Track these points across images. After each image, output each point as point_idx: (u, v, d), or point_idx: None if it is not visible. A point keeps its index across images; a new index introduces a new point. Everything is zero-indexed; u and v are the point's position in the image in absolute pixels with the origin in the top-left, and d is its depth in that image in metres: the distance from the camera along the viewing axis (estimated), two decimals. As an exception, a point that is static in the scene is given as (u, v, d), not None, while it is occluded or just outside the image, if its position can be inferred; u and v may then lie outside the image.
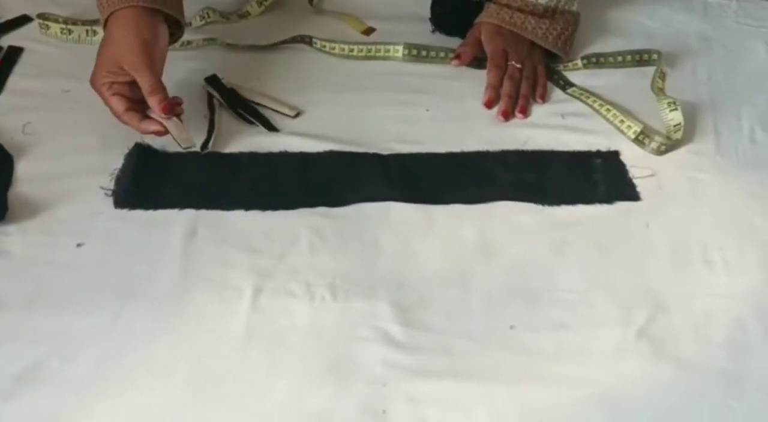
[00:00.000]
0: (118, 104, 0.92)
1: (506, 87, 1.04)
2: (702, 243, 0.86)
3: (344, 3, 1.20)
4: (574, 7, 1.11)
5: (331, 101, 1.03)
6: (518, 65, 1.06)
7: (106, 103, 0.93)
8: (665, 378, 0.75)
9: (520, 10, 1.09)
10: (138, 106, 0.93)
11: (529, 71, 1.07)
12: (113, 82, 0.93)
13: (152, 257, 0.83)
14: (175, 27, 0.99)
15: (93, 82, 0.94)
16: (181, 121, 0.93)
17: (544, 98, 1.05)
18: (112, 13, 0.93)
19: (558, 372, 0.75)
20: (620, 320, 0.79)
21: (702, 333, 0.78)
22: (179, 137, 0.92)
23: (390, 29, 1.15)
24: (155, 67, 0.92)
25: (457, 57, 1.09)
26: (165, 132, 0.92)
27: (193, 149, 0.92)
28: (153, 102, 0.91)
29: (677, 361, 0.76)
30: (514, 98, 1.03)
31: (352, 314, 0.79)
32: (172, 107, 0.92)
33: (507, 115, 1.02)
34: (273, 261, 0.83)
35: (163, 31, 0.95)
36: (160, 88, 0.92)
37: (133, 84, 0.92)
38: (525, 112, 1.02)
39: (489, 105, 1.03)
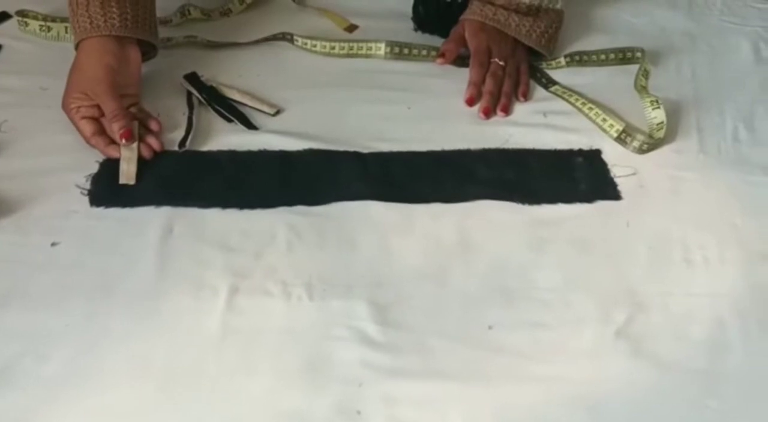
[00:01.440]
0: (86, 127, 0.94)
1: (488, 84, 1.04)
2: (682, 242, 0.86)
3: (327, 0, 1.20)
4: (558, 5, 1.12)
5: (312, 99, 1.02)
6: (501, 63, 1.06)
7: (76, 126, 0.95)
8: (644, 377, 0.75)
9: (503, 7, 1.09)
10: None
11: (512, 69, 1.07)
12: (80, 106, 0.94)
13: (128, 256, 0.83)
14: (149, 46, 1.01)
15: (63, 106, 0.95)
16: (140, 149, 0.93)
17: (527, 96, 1.05)
18: (82, 40, 0.95)
19: (536, 372, 0.74)
20: (599, 319, 0.79)
21: (681, 333, 0.78)
22: (123, 169, 0.91)
23: (373, 26, 1.15)
24: (117, 94, 0.94)
25: (442, 55, 1.09)
26: None
27: (131, 183, 0.91)
28: (114, 128, 0.93)
29: (656, 360, 0.76)
30: (495, 96, 1.03)
31: (329, 313, 0.78)
32: (131, 136, 0.93)
33: (488, 113, 1.02)
34: (250, 260, 0.83)
35: (134, 55, 0.97)
36: (120, 115, 0.93)
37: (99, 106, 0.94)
38: (506, 111, 1.02)
39: (471, 102, 1.03)
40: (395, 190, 0.91)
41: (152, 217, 0.87)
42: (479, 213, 0.89)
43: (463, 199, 0.90)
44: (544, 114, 1.02)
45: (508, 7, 1.09)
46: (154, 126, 0.96)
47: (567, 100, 1.04)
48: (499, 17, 1.08)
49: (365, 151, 0.95)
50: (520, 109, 1.04)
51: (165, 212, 0.87)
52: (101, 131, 0.94)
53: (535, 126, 1.00)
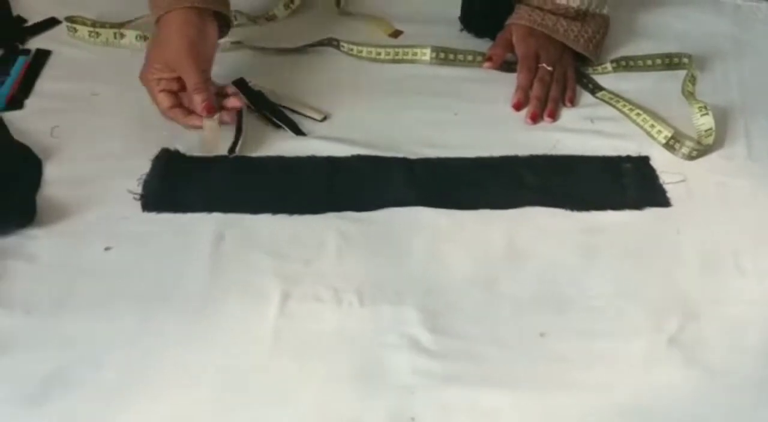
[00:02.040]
0: (165, 100, 0.96)
1: (536, 89, 1.04)
2: (733, 250, 0.86)
3: (371, 5, 1.21)
4: (605, 11, 1.11)
5: (359, 105, 1.03)
6: (549, 68, 1.06)
7: (154, 98, 0.97)
8: (696, 386, 0.74)
9: (552, 12, 1.08)
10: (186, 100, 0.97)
11: (560, 74, 1.06)
12: (161, 79, 0.96)
13: (180, 261, 0.83)
14: (224, 22, 1.01)
15: (143, 77, 0.97)
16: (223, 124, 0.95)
17: (573, 102, 1.05)
18: (162, 15, 0.96)
19: (588, 380, 0.74)
20: (650, 328, 0.78)
21: (733, 341, 0.78)
22: (206, 140, 0.93)
23: (417, 32, 1.15)
24: (200, 66, 0.95)
25: (489, 59, 1.09)
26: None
27: (214, 154, 0.93)
28: (196, 100, 0.94)
29: (708, 370, 0.75)
30: (543, 101, 1.03)
31: (380, 320, 0.79)
32: (213, 108, 0.94)
33: (535, 118, 1.02)
34: (300, 266, 0.83)
35: (212, 29, 0.98)
36: (203, 87, 0.94)
37: (181, 79, 0.96)
38: (554, 116, 1.02)
39: (518, 107, 1.03)
40: (443, 195, 0.91)
41: (203, 223, 0.87)
42: (528, 219, 0.89)
43: (511, 205, 0.90)
44: (592, 120, 1.02)
45: (556, 11, 1.08)
46: (230, 90, 0.98)
47: (614, 106, 1.04)
48: (547, 22, 1.08)
49: (413, 156, 0.95)
50: (568, 114, 1.03)
51: (216, 218, 0.88)
52: (179, 104, 0.96)
53: (583, 132, 1.00)
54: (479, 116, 1.03)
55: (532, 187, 0.92)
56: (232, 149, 0.95)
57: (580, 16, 1.09)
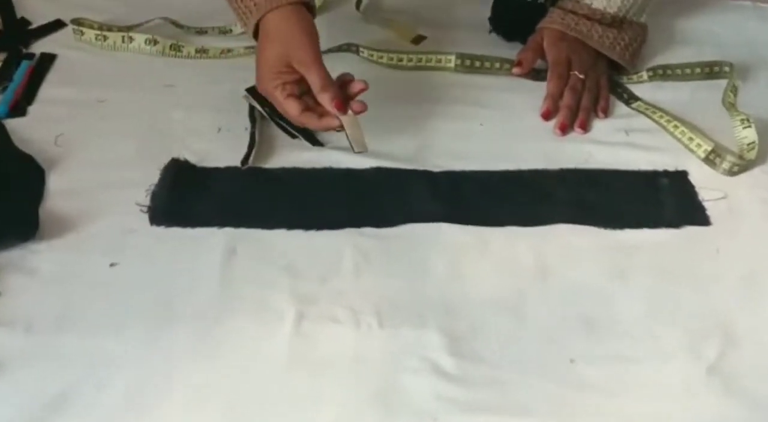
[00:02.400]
0: (293, 105, 0.95)
1: (567, 98, 1.04)
2: (777, 271, 0.85)
3: (393, 9, 1.21)
4: (643, 19, 1.11)
5: (379, 114, 1.02)
6: (581, 76, 1.06)
7: (280, 106, 0.96)
8: (738, 417, 0.74)
9: (587, 17, 1.08)
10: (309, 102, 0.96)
11: (592, 83, 1.06)
12: (285, 83, 0.95)
13: (189, 277, 0.84)
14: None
15: (263, 87, 0.96)
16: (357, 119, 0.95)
17: (607, 112, 1.04)
18: (268, 13, 0.95)
19: (621, 410, 0.74)
20: (688, 354, 0.78)
21: (778, 370, 0.77)
22: (353, 138, 0.94)
23: (441, 37, 1.16)
24: (322, 61, 0.94)
25: (518, 64, 1.09)
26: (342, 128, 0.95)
27: (366, 150, 0.95)
28: (325, 99, 0.93)
29: (751, 399, 0.75)
30: (573, 111, 1.03)
31: (400, 342, 0.79)
32: (345, 103, 0.94)
33: (565, 129, 1.01)
34: (316, 284, 0.83)
35: (312, 20, 0.98)
36: (329, 84, 0.94)
37: (303, 81, 0.95)
38: (585, 127, 1.02)
39: (547, 116, 1.03)
40: (468, 211, 0.91)
41: (214, 238, 0.88)
42: (557, 237, 0.89)
43: (540, 222, 0.90)
44: (626, 131, 1.02)
45: (592, 17, 1.08)
46: (347, 76, 0.97)
47: (650, 117, 1.04)
48: (581, 27, 1.08)
49: (436, 169, 0.96)
50: (601, 126, 1.04)
51: (227, 233, 0.88)
52: (307, 107, 0.95)
53: (617, 144, 1.00)
54: (506, 127, 1.03)
55: (562, 202, 0.92)
56: (245, 160, 0.96)
57: (616, 22, 1.09)
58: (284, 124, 1.00)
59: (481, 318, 0.81)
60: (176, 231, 0.89)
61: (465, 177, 0.95)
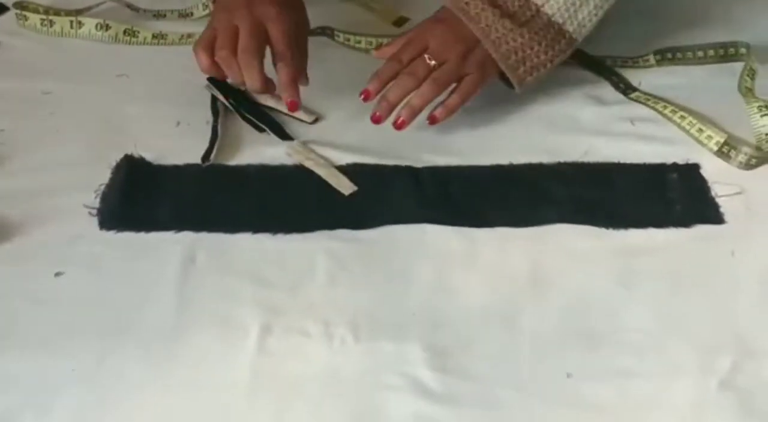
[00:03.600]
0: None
1: (393, 88, 0.96)
2: (799, 275, 0.85)
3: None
4: (578, 36, 1.01)
5: (356, 104, 1.02)
6: (432, 62, 0.97)
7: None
8: (754, 438, 0.73)
9: (499, 8, 0.98)
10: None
11: (445, 75, 0.97)
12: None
13: (143, 289, 0.83)
14: None
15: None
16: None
17: (442, 115, 0.97)
18: None
19: (624, 430, 0.74)
20: (699, 368, 0.78)
21: (799, 384, 0.77)
22: (332, 182, 0.94)
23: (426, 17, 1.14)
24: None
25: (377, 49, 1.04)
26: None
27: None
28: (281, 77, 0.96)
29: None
30: (394, 104, 0.97)
31: (378, 358, 0.78)
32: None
33: (378, 121, 0.97)
34: (285, 294, 0.83)
35: None
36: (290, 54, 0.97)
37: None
38: (401, 127, 0.97)
39: (365, 99, 0.97)
40: (455, 211, 0.91)
41: (171, 244, 0.87)
42: (555, 239, 0.89)
43: (535, 222, 0.90)
44: (632, 121, 1.02)
45: (508, 9, 0.99)
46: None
47: (653, 108, 1.03)
48: (477, 14, 0.98)
49: (419, 165, 0.96)
50: (603, 114, 1.03)
51: (186, 238, 0.88)
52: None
53: (621, 135, 1.00)
54: (497, 117, 1.03)
55: (559, 200, 0.92)
56: (206, 156, 0.95)
57: (538, 25, 0.99)
58: (251, 117, 1.00)
59: (469, 330, 0.81)
60: (129, 236, 0.88)
61: (451, 173, 0.95)
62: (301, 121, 1.00)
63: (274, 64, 0.96)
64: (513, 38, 0.98)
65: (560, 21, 1.00)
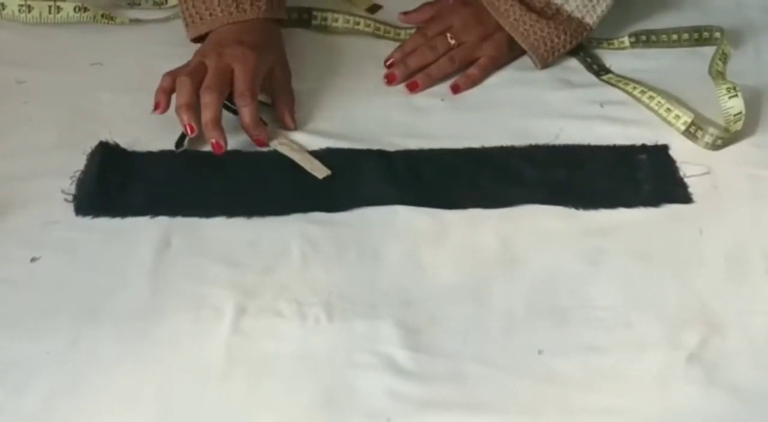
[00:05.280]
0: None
1: (414, 55, 1.06)
2: (764, 252, 0.86)
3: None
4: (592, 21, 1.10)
5: (329, 89, 1.04)
6: (452, 41, 1.07)
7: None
8: (720, 409, 0.74)
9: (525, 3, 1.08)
10: None
11: (464, 54, 1.07)
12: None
13: (118, 272, 0.84)
14: None
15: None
16: None
17: (457, 89, 1.05)
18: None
19: (593, 404, 0.74)
20: (667, 342, 0.79)
21: (763, 358, 0.78)
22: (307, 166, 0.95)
23: (399, 7, 1.15)
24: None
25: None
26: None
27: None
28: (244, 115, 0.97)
29: (734, 389, 0.75)
30: (413, 70, 1.06)
31: (351, 337, 0.79)
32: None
33: (392, 81, 1.05)
34: (258, 276, 0.84)
35: None
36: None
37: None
38: (414, 89, 1.05)
39: (391, 65, 1.07)
40: (426, 193, 0.91)
41: (146, 229, 0.88)
42: (525, 219, 0.89)
43: (506, 203, 0.91)
44: (601, 104, 1.03)
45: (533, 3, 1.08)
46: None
47: (623, 90, 1.04)
48: (504, 6, 1.07)
49: (392, 148, 0.96)
50: (573, 97, 1.04)
51: (161, 222, 0.88)
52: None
53: (591, 118, 1.01)
54: (469, 101, 1.04)
55: (530, 182, 0.93)
56: (179, 142, 0.96)
57: (559, 15, 1.08)
58: (226, 102, 1.00)
59: (440, 308, 0.81)
60: (104, 222, 0.89)
61: (424, 157, 0.96)
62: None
63: (236, 105, 0.97)
64: (540, 29, 1.06)
65: (579, 16, 1.08)
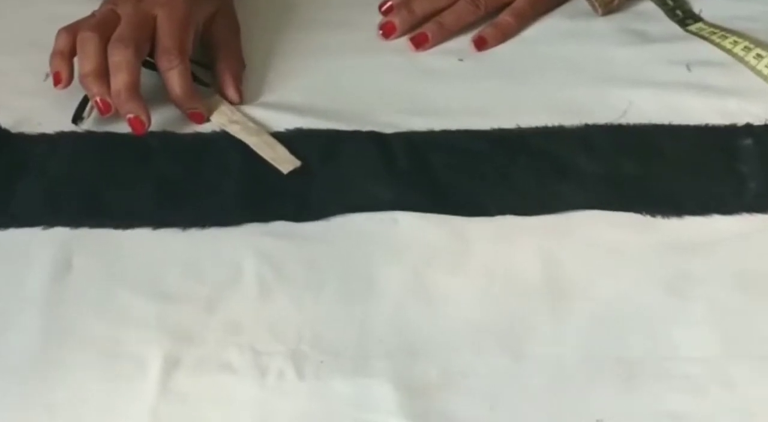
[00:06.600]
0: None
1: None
2: None
3: None
4: None
5: (299, 45, 1.04)
6: None
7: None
8: None
9: None
10: None
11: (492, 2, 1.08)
12: None
13: (-1, 308, 0.83)
14: None
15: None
16: None
17: (482, 44, 1.07)
18: None
19: None
20: (783, 407, 0.78)
21: None
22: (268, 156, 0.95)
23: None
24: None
25: None
26: None
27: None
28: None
29: None
30: (419, 17, 1.07)
31: (331, 401, 0.78)
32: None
33: (388, 34, 1.07)
34: (198, 312, 0.83)
35: None
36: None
37: None
38: (420, 45, 1.06)
39: (386, 13, 1.08)
40: (438, 194, 0.92)
41: (38, 244, 0.88)
42: (578, 231, 0.89)
43: (551, 208, 0.91)
44: (688, 66, 1.04)
45: None
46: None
47: (719, 45, 1.05)
48: None
49: (389, 130, 0.97)
50: (647, 56, 1.05)
51: (59, 235, 0.88)
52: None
53: (673, 86, 1.02)
54: (500, 63, 1.05)
55: (586, 177, 0.93)
56: (77, 115, 0.96)
57: None
58: (149, 60, 0.99)
59: (458, 360, 0.81)
60: (-21, 235, 0.89)
61: (433, 141, 0.96)
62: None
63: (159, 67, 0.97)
64: None
65: None
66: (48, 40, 0.99)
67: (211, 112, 0.97)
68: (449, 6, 1.06)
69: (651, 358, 0.81)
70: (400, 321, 0.83)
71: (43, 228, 0.89)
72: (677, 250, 0.88)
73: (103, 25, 0.95)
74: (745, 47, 1.03)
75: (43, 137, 0.95)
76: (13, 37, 1.05)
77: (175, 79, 0.95)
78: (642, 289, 0.86)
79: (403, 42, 1.06)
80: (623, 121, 0.98)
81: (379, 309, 0.84)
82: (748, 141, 0.96)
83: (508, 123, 0.97)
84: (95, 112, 0.96)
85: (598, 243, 0.89)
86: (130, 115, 0.93)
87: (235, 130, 0.95)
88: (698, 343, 0.82)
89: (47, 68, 0.98)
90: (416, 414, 0.77)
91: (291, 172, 0.93)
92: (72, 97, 0.97)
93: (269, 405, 0.78)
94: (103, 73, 0.93)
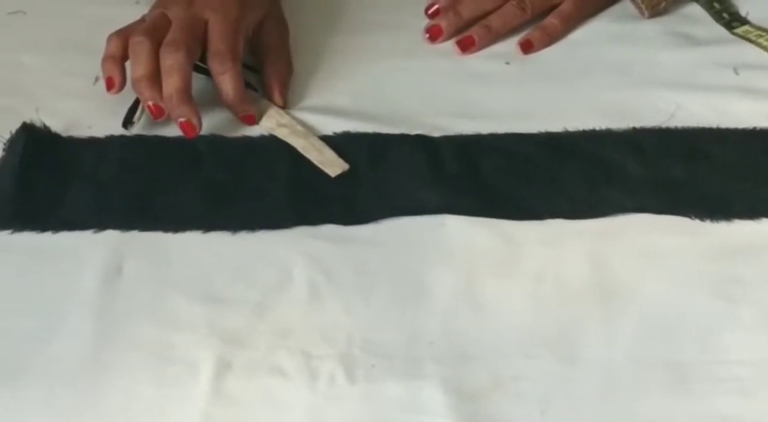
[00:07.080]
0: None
1: (468, 2, 1.08)
2: None
3: None
4: None
5: (345, 48, 1.04)
6: None
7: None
8: None
9: None
10: None
11: (536, 3, 1.09)
12: None
13: (48, 312, 0.83)
14: None
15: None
16: None
17: (528, 47, 1.07)
18: None
19: None
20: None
21: None
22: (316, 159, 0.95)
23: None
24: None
25: None
26: None
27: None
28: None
29: None
30: (464, 20, 1.07)
31: (381, 405, 0.78)
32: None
33: (436, 36, 1.07)
34: (248, 316, 0.83)
35: None
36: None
37: None
38: (467, 48, 1.06)
39: (432, 16, 1.08)
40: (487, 197, 0.91)
41: (89, 248, 0.88)
42: (628, 235, 0.89)
43: (600, 212, 0.91)
44: (735, 69, 1.03)
45: None
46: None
47: (766, 48, 1.05)
48: None
49: (437, 133, 0.96)
50: (694, 59, 1.05)
51: (109, 239, 0.88)
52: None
53: (720, 89, 1.01)
54: (546, 66, 1.05)
55: (635, 181, 0.93)
56: (128, 119, 0.96)
57: None
58: (200, 63, 0.99)
59: (508, 364, 0.81)
60: (29, 238, 0.89)
61: (480, 144, 0.96)
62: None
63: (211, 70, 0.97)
64: None
65: None
66: (94, 43, 1.00)
67: (260, 115, 0.96)
68: (496, 9, 1.07)
69: (701, 362, 0.81)
70: (451, 325, 0.83)
71: (94, 232, 0.89)
72: (726, 254, 0.88)
73: (154, 30, 0.95)
74: (797, 51, 1.02)
75: (93, 141, 0.96)
76: (59, 41, 1.05)
77: (228, 83, 0.95)
78: (691, 293, 0.85)
79: (450, 45, 1.06)
80: (671, 124, 0.98)
81: (429, 313, 0.84)
82: (800, 143, 0.96)
83: (555, 126, 0.97)
84: (145, 116, 0.96)
85: (647, 247, 0.88)
86: (182, 119, 0.92)
87: (283, 134, 0.95)
88: (748, 346, 0.82)
89: (95, 71, 0.99)
90: (466, 418, 0.77)
91: (339, 176, 0.93)
92: (120, 100, 0.97)
93: (320, 409, 0.78)
94: (155, 78, 0.93)
